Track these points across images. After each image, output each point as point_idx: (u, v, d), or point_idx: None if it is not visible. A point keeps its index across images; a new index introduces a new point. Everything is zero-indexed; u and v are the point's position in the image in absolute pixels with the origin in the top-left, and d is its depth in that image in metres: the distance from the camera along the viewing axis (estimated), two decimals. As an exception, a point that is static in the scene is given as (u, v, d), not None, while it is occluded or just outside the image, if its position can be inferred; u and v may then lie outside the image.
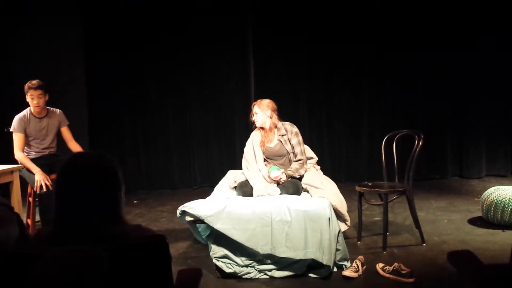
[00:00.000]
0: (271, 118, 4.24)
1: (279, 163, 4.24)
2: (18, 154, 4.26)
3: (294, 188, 3.98)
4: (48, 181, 4.12)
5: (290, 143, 4.25)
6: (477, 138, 6.82)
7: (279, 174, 4.05)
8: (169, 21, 6.76)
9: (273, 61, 6.87)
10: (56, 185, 1.60)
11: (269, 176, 4.08)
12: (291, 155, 4.24)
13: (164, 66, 6.90)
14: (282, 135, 4.27)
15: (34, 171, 4.17)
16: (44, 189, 4.09)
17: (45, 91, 4.35)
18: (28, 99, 4.32)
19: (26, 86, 4.31)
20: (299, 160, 4.21)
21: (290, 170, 4.14)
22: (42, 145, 4.46)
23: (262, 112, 4.21)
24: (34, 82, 4.31)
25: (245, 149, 4.35)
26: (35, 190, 4.15)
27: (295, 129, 4.31)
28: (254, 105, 4.28)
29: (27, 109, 4.40)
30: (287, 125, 4.33)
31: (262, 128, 4.30)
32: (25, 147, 4.38)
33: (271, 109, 4.24)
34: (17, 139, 4.29)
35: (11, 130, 4.31)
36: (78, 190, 1.55)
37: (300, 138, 4.29)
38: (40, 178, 4.11)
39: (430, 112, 6.81)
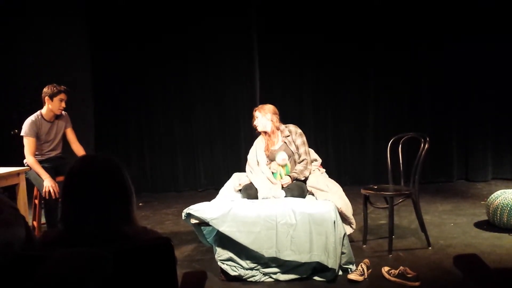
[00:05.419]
0: (272, 121, 4.26)
1: (284, 165, 4.24)
2: (30, 159, 4.23)
3: (299, 190, 3.98)
4: (56, 189, 4.12)
5: (294, 143, 4.26)
6: (483, 141, 6.79)
7: (286, 156, 4.10)
8: (175, 23, 6.79)
9: (278, 63, 6.87)
10: (64, 187, 1.60)
11: (277, 164, 4.11)
12: (296, 156, 4.25)
13: (170, 68, 6.92)
14: (286, 136, 4.28)
15: (43, 177, 4.15)
16: (53, 196, 4.09)
17: None
18: (55, 101, 4.31)
19: (55, 89, 4.30)
20: (302, 160, 4.21)
21: (295, 172, 4.14)
22: (50, 148, 4.47)
23: (263, 116, 4.25)
24: (62, 86, 4.37)
25: (248, 156, 4.37)
26: (43, 195, 4.16)
27: (299, 130, 4.33)
28: (255, 111, 4.33)
29: (38, 113, 4.37)
30: (291, 126, 4.35)
31: (266, 133, 4.31)
32: None
33: (272, 112, 4.26)
34: (29, 144, 4.26)
35: (22, 134, 4.28)
36: (87, 192, 1.56)
37: (304, 138, 4.30)
38: (49, 185, 4.10)
39: (436, 115, 6.80)
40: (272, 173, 4.15)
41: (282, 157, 4.10)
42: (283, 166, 4.14)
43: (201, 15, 6.76)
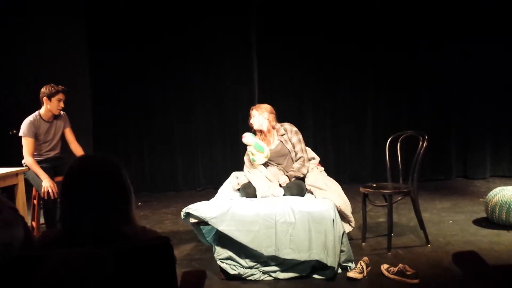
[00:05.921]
0: (268, 120, 4.26)
1: (282, 165, 4.24)
2: (28, 159, 4.23)
3: (298, 189, 3.99)
4: (55, 189, 4.12)
5: (290, 141, 4.26)
6: (482, 139, 6.80)
7: (249, 134, 4.18)
8: (175, 23, 6.79)
9: (277, 63, 6.87)
10: (63, 187, 1.61)
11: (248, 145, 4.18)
12: (293, 154, 4.25)
13: (170, 68, 6.92)
14: (282, 135, 4.29)
15: (42, 178, 4.15)
16: (52, 196, 4.09)
17: None
18: (54, 102, 4.31)
19: (53, 89, 4.31)
20: (299, 158, 4.21)
21: (292, 171, 4.14)
22: (49, 148, 4.47)
23: (259, 114, 4.26)
24: (60, 86, 4.37)
25: (245, 157, 4.38)
26: (42, 195, 4.16)
27: (294, 128, 4.33)
28: (252, 109, 4.34)
29: (36, 113, 4.37)
30: (286, 125, 4.35)
31: (261, 131, 4.31)
32: None
33: (269, 111, 4.27)
34: (27, 144, 4.26)
35: (20, 134, 4.28)
36: (86, 192, 1.57)
37: (300, 136, 4.30)
38: (47, 185, 4.10)
39: (435, 113, 6.80)
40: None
41: (249, 137, 4.15)
42: (252, 145, 4.14)
43: (201, 15, 6.76)
